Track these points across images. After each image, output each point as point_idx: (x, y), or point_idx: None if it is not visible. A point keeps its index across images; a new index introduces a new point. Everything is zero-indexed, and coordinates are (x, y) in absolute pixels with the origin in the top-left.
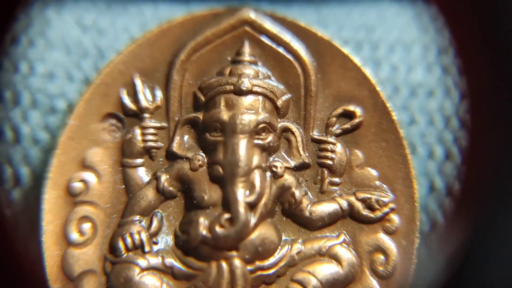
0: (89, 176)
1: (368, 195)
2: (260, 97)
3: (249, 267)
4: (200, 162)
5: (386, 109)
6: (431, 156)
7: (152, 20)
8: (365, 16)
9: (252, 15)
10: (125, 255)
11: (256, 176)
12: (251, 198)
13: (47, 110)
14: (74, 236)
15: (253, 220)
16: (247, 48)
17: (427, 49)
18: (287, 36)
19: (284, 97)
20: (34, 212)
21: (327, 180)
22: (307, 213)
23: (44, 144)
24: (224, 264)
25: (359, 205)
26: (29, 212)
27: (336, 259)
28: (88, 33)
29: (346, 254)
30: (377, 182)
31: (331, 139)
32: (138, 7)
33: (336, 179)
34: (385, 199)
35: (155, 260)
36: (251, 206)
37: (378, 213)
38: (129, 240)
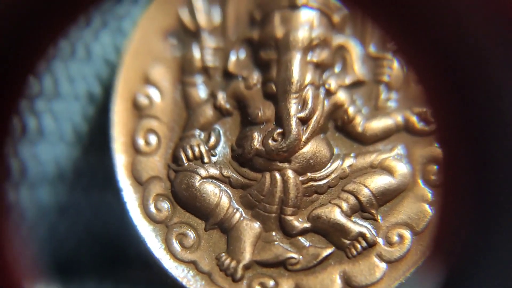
0: (153, 92)
1: (424, 109)
2: (316, 12)
3: (301, 178)
4: (254, 81)
5: None
6: None
7: None
8: None
9: None
10: (187, 164)
11: (309, 92)
12: (303, 114)
13: (115, 30)
14: (142, 145)
15: (305, 135)
16: None
17: None
18: None
19: (341, 12)
20: (107, 126)
21: (383, 96)
22: (360, 129)
23: (113, 62)
24: (277, 175)
25: (414, 119)
26: (103, 127)
27: (389, 170)
28: None
29: (399, 165)
30: None
31: (388, 55)
32: None
33: (392, 95)
34: None
35: (213, 170)
36: (303, 122)
37: (434, 126)
38: (189, 151)
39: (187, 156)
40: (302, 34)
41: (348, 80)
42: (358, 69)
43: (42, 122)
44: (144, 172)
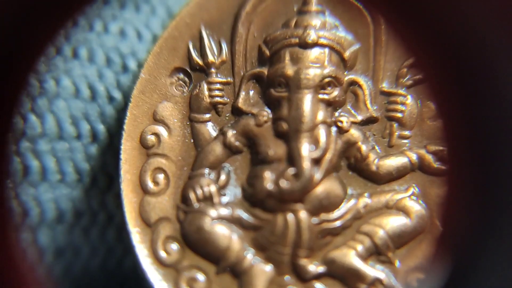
0: (161, 129)
1: (440, 147)
2: (327, 49)
3: (314, 219)
4: (265, 118)
5: None
6: None
7: None
8: None
9: None
10: (196, 205)
11: (321, 131)
12: (316, 154)
13: (119, 69)
14: (150, 185)
15: (317, 175)
16: None
17: None
18: None
19: (352, 48)
20: (110, 166)
21: (396, 133)
22: (373, 168)
23: (117, 103)
24: (289, 216)
25: (430, 158)
26: (105, 166)
27: (405, 211)
28: None
29: (415, 206)
30: None
31: (401, 90)
32: None
33: (406, 133)
34: None
35: (224, 211)
36: (316, 161)
37: (449, 165)
38: (199, 191)
39: (197, 196)
40: (313, 73)
41: (360, 117)
42: (371, 106)
43: (44, 163)
44: (153, 213)
